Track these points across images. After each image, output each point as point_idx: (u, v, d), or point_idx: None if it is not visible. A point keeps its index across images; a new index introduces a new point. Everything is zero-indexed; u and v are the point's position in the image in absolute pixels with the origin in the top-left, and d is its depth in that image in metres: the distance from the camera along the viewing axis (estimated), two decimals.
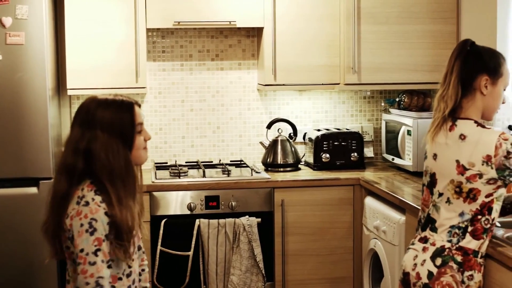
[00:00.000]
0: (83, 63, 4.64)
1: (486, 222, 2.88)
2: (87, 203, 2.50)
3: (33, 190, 4.39)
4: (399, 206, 3.95)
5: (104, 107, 2.61)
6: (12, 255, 4.39)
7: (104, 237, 2.48)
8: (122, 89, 4.74)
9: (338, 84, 4.92)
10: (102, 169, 2.53)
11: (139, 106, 2.70)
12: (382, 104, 5.28)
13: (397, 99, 5.07)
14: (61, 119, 4.98)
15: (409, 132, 4.67)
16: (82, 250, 2.46)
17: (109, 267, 2.50)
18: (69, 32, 4.64)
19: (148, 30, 4.87)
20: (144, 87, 4.76)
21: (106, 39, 4.68)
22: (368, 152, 5.30)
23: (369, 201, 4.42)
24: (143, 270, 2.85)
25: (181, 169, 4.80)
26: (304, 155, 5.15)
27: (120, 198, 2.53)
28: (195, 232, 4.40)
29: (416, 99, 5.01)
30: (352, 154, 4.97)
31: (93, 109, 2.61)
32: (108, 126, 2.56)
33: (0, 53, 4.27)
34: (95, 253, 2.45)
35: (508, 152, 2.81)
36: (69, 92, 4.72)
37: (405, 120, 4.74)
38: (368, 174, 4.82)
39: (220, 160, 5.17)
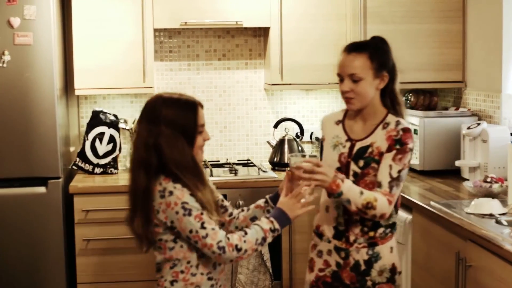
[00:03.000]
0: (90, 63, 4.66)
1: None
2: (171, 193, 2.64)
3: (42, 189, 4.41)
4: (406, 205, 3.95)
5: (169, 104, 2.71)
6: (20, 254, 4.41)
7: (201, 211, 2.65)
8: (130, 88, 4.78)
9: None
10: (172, 163, 2.65)
11: (202, 107, 2.79)
12: None
13: (404, 98, 5.07)
14: (69, 119, 5.01)
15: (415, 131, 4.67)
16: (191, 231, 2.63)
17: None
18: (77, 32, 4.66)
19: (155, 30, 4.88)
20: (151, 87, 4.78)
21: (114, 39, 4.69)
22: None
23: None
24: None
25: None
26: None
27: (196, 185, 2.68)
28: None
29: (423, 98, 5.01)
30: None
31: (159, 106, 2.71)
32: (172, 123, 2.67)
33: (9, 53, 4.30)
34: (203, 227, 2.62)
35: None
36: (77, 92, 4.74)
37: (412, 119, 4.74)
38: None
39: (227, 160, 5.19)
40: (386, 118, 3.09)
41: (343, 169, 3.07)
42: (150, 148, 2.66)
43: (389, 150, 3.01)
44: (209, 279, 2.75)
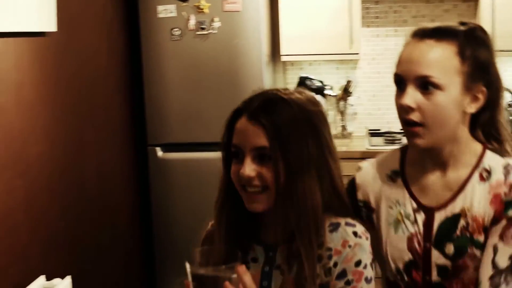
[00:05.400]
0: (297, 30, 4.69)
1: None
2: None
3: None
4: None
5: None
6: None
7: None
8: (335, 55, 4.76)
9: None
10: None
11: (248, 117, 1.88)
12: None
13: None
14: (275, 85, 5.08)
15: None
16: None
17: None
18: None
19: None
20: (357, 53, 4.74)
21: (320, 6, 4.69)
22: None
23: None
24: None
25: (395, 136, 4.74)
26: None
27: None
28: None
29: None
30: None
31: None
32: None
33: (219, 19, 4.41)
34: None
35: None
36: (283, 58, 4.80)
37: None
38: None
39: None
40: (484, 160, 1.86)
41: (420, 262, 1.88)
42: None
43: (495, 221, 1.81)
44: None
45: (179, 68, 4.49)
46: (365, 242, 1.71)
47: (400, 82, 1.84)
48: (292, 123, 1.68)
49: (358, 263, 1.69)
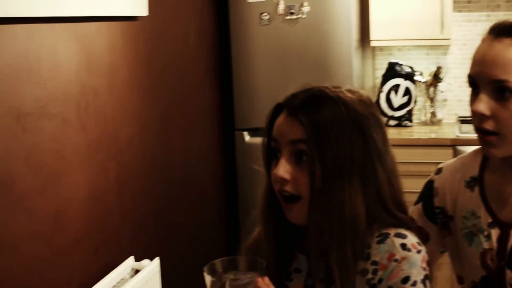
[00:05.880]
0: (387, 14, 4.63)
1: None
2: None
3: None
4: None
5: None
6: None
7: None
8: (426, 40, 4.68)
9: None
10: None
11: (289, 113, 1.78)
12: None
13: None
14: (364, 70, 5.03)
15: None
16: None
17: None
18: None
19: None
20: (448, 39, 4.64)
21: None
22: None
23: None
24: None
25: None
26: None
27: None
28: None
29: None
30: None
31: None
32: None
33: (308, 4, 4.38)
34: None
35: None
36: (373, 44, 4.74)
37: None
38: None
39: None
40: None
41: (494, 281, 1.71)
42: None
43: None
44: None
45: (267, 53, 4.50)
46: (415, 256, 1.51)
47: (474, 85, 1.64)
48: (334, 122, 1.52)
49: (405, 280, 1.49)
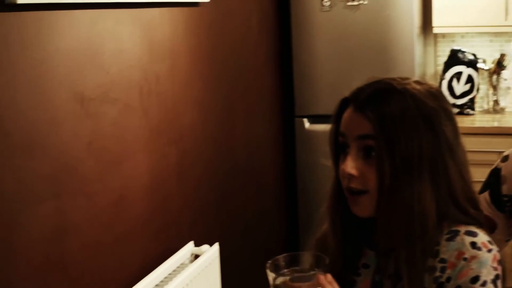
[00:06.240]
0: (449, 1, 4.55)
1: None
2: None
3: None
4: None
5: None
6: None
7: None
8: (489, 27, 4.59)
9: None
10: None
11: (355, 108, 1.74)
12: None
13: None
14: (426, 57, 4.96)
15: None
16: None
17: None
18: None
19: None
20: None
21: None
22: None
23: None
24: None
25: None
26: None
27: None
28: None
29: None
30: None
31: None
32: None
33: None
34: None
35: None
36: (435, 30, 4.67)
37: None
38: None
39: None
40: None
41: None
42: None
43: None
44: None
45: (328, 39, 4.46)
46: (486, 255, 1.45)
47: None
48: (402, 116, 1.48)
49: (475, 280, 1.43)
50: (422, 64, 4.75)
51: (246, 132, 4.02)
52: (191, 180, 3.32)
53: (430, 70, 5.03)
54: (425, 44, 4.90)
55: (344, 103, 1.58)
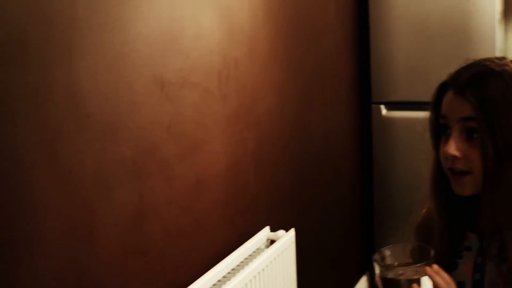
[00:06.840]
0: None
1: None
2: None
3: None
4: None
5: None
6: None
7: None
8: None
9: None
10: None
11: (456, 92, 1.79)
12: None
13: None
14: (507, 44, 4.85)
15: None
16: None
17: None
18: None
19: None
20: None
21: None
22: None
23: None
24: None
25: None
26: None
27: None
28: None
29: None
30: None
31: None
32: None
33: None
34: None
35: None
36: None
37: None
38: None
39: None
40: None
41: None
42: None
43: None
44: None
45: (406, 24, 4.40)
46: None
47: None
48: (503, 98, 1.48)
49: None
50: (503, 50, 4.65)
51: (322, 119, 4.00)
52: (268, 165, 3.32)
53: (511, 57, 4.91)
54: (506, 30, 4.79)
55: (443, 88, 1.58)
